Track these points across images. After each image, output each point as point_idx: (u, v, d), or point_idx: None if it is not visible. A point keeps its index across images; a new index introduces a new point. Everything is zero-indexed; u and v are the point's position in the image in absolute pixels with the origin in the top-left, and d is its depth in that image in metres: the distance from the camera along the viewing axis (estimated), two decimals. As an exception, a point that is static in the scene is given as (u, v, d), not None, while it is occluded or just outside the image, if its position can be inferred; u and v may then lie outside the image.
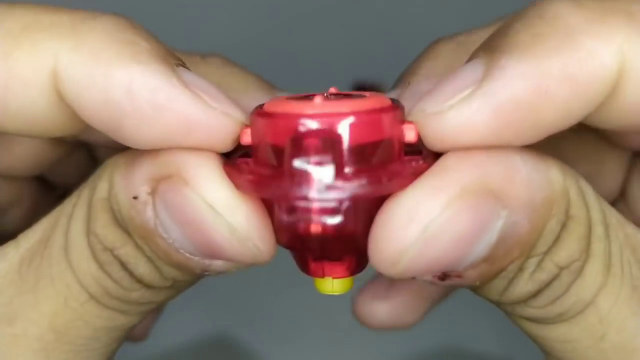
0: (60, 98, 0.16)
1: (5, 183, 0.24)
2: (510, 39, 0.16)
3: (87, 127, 0.17)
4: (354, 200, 0.15)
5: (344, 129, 0.16)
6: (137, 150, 0.17)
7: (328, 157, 0.15)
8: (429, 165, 0.16)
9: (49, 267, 0.18)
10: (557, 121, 0.16)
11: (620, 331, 0.17)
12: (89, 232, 0.18)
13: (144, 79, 0.16)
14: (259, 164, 0.17)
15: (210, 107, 0.16)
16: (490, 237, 0.16)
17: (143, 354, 0.37)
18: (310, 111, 0.16)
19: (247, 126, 0.17)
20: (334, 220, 0.15)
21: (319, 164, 0.15)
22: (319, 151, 0.15)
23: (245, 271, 0.18)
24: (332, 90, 0.17)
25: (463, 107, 0.16)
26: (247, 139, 0.17)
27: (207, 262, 0.17)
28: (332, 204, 0.15)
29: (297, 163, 0.15)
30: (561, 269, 0.17)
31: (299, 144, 0.15)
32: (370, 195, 0.15)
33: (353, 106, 0.16)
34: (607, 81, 0.15)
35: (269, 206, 0.17)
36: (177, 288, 0.19)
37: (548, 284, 0.17)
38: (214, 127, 0.16)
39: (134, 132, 0.16)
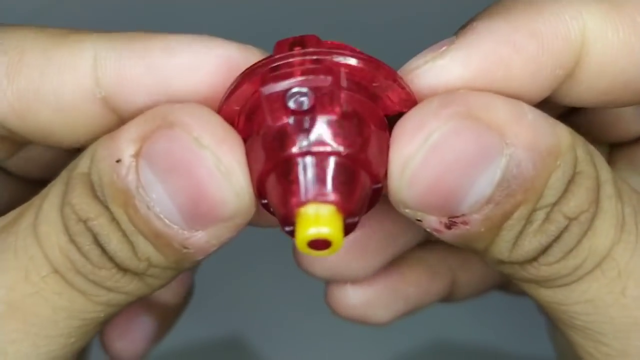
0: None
1: (15, 183, 0.24)
2: (483, 12, 0.18)
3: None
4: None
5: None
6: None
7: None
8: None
9: (13, 241, 0.18)
10: (528, 77, 0.17)
11: None
12: (63, 204, 0.18)
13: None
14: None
15: None
16: (493, 172, 0.16)
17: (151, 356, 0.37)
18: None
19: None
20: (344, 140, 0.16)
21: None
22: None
23: (252, 272, 0.17)
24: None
25: (437, 60, 0.17)
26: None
27: (186, 233, 0.17)
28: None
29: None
30: (570, 220, 0.17)
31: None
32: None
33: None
34: (572, 41, 0.17)
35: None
36: (148, 282, 0.18)
37: (558, 237, 0.17)
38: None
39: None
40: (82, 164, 0.18)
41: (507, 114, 0.16)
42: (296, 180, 0.16)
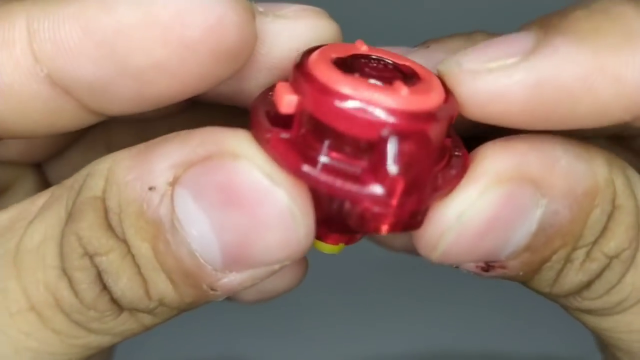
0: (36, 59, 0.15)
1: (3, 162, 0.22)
2: (570, 23, 0.15)
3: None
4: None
5: (432, 129, 0.14)
6: (151, 141, 0.15)
7: (414, 165, 0.14)
8: (464, 156, 0.16)
9: None
10: (592, 117, 0.15)
11: None
12: (66, 233, 0.15)
13: None
14: (309, 142, 0.15)
15: None
16: (529, 225, 0.16)
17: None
18: (397, 106, 0.14)
19: (286, 86, 0.15)
20: (403, 222, 0.15)
21: (408, 171, 0.14)
22: (406, 158, 0.14)
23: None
24: (365, 48, 0.16)
25: (503, 75, 0.15)
26: (288, 108, 0.15)
27: (219, 274, 0.15)
28: (407, 210, 0.14)
29: (386, 166, 0.14)
30: (611, 258, 0.16)
31: (388, 146, 0.14)
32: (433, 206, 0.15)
33: (434, 97, 0.15)
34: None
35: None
36: (145, 321, 0.16)
37: (600, 274, 0.17)
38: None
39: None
40: (93, 185, 0.15)
41: (539, 164, 0.15)
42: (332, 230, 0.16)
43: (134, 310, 0.16)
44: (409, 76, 0.15)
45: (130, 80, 0.15)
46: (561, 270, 0.17)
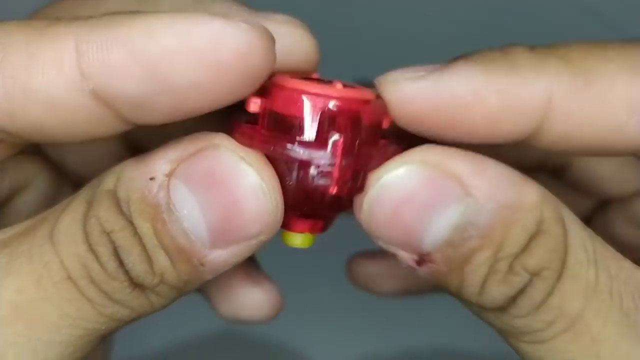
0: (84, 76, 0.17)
1: (22, 160, 0.24)
2: (474, 54, 0.19)
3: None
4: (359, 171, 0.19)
5: (363, 112, 0.19)
6: (150, 151, 0.18)
7: (349, 134, 0.18)
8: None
9: (28, 248, 0.18)
10: (485, 127, 0.19)
11: (613, 352, 0.18)
12: (88, 216, 0.18)
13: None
14: (271, 130, 0.19)
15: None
16: (450, 217, 0.18)
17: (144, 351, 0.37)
18: (335, 94, 0.18)
19: (254, 95, 0.19)
20: (347, 184, 0.18)
21: (344, 139, 0.18)
22: (343, 128, 0.18)
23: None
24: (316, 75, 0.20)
25: (410, 82, 0.19)
26: (255, 107, 0.19)
27: (207, 251, 0.18)
28: (348, 172, 0.18)
29: (329, 135, 0.18)
30: (532, 275, 0.18)
31: (330, 120, 0.18)
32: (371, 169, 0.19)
33: (365, 94, 0.19)
34: (533, 112, 0.19)
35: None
36: (152, 299, 0.19)
37: (523, 290, 0.18)
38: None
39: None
40: (108, 181, 0.18)
41: (466, 166, 0.18)
42: (296, 216, 0.20)
43: (142, 286, 0.18)
44: (349, 85, 0.19)
45: (168, 97, 0.17)
46: (486, 279, 0.18)
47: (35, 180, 0.25)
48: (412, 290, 0.31)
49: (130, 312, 0.19)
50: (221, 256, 0.18)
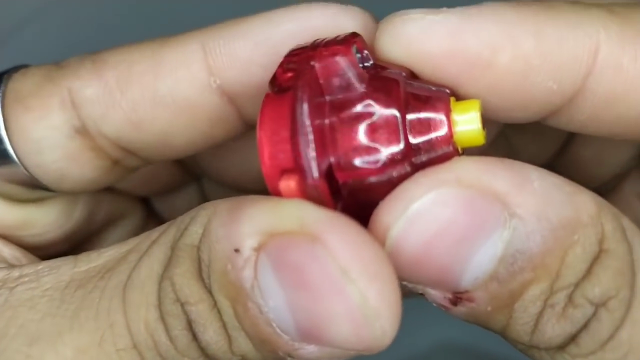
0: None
1: (115, 196, 0.24)
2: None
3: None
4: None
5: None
6: (246, 197, 0.15)
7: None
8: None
9: (97, 299, 0.16)
10: (517, 76, 0.16)
11: None
12: (164, 277, 0.16)
13: None
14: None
15: None
16: (494, 247, 0.15)
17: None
18: None
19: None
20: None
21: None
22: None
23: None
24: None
25: (428, 14, 0.16)
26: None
27: (296, 345, 0.15)
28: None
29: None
30: (596, 306, 0.15)
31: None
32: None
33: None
34: (578, 60, 0.15)
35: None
36: None
37: (586, 325, 0.15)
38: None
39: None
40: (192, 232, 0.16)
41: (508, 181, 0.15)
42: None
43: None
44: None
45: None
46: (540, 316, 0.15)
47: (128, 215, 0.25)
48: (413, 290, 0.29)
49: None
50: (313, 353, 0.15)
